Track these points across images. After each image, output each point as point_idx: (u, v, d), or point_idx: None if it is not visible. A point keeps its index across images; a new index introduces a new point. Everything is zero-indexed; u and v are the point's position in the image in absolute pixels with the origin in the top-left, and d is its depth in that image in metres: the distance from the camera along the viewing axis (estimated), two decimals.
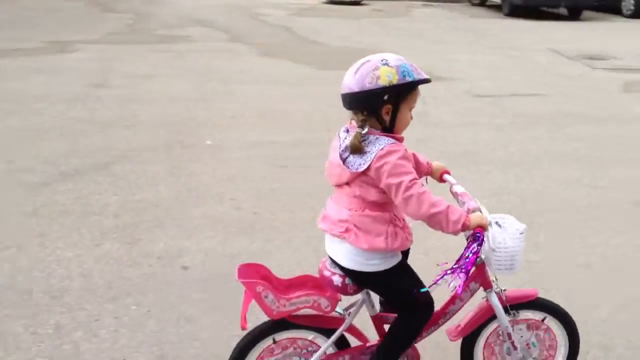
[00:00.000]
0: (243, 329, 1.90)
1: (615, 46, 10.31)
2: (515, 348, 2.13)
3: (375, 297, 2.04)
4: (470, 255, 1.78)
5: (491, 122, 6.02)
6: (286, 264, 3.18)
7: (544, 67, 8.72)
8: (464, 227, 1.78)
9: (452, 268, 1.81)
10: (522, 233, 1.91)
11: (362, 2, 16.93)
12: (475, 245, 1.79)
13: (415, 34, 11.60)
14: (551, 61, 9.19)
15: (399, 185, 1.74)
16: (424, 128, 5.74)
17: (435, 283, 1.83)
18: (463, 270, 1.77)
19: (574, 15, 14.81)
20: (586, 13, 14.99)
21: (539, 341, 2.18)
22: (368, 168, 1.77)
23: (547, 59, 9.40)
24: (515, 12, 14.71)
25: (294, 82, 7.50)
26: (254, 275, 1.91)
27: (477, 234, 1.79)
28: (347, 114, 1.88)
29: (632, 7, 14.91)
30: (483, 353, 2.17)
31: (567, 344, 2.20)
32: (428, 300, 1.93)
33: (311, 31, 11.41)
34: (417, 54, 9.46)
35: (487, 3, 16.70)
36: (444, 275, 1.81)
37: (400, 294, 1.93)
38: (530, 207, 4.01)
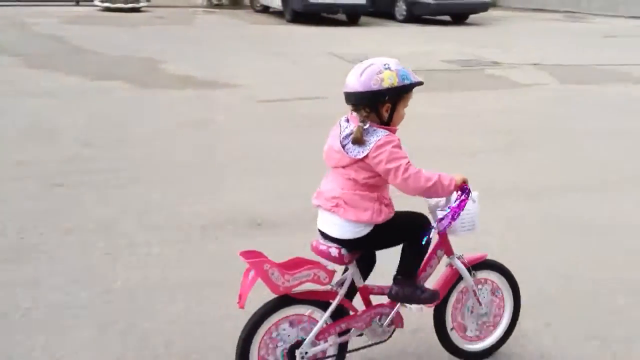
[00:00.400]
0: (242, 307, 2.15)
1: (390, 48, 11.58)
2: (480, 304, 2.61)
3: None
4: (459, 202, 2.29)
5: (276, 126, 6.44)
6: (58, 289, 3.16)
7: (326, 71, 9.50)
8: (455, 187, 2.23)
9: (445, 222, 2.33)
10: (476, 200, 2.40)
11: (142, 8, 16.71)
12: (463, 195, 2.28)
13: (198, 41, 11.84)
14: (332, 65, 10.04)
15: (397, 169, 2.13)
16: (210, 135, 5.96)
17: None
18: (453, 212, 2.30)
19: (352, 20, 16.30)
20: (364, 18, 16.57)
21: (494, 297, 2.67)
22: (366, 156, 2.15)
23: (328, 62, 10.25)
24: (297, 18, 15.74)
25: (67, 94, 7.23)
26: (257, 256, 2.18)
27: (464, 187, 2.28)
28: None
29: (404, 13, 16.89)
30: (452, 312, 2.60)
31: (512, 299, 2.69)
32: (424, 220, 2.37)
33: (86, 40, 11.03)
34: (200, 61, 9.72)
35: (270, 10, 17.60)
36: (446, 222, 2.33)
37: (396, 232, 2.32)
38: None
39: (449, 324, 2.61)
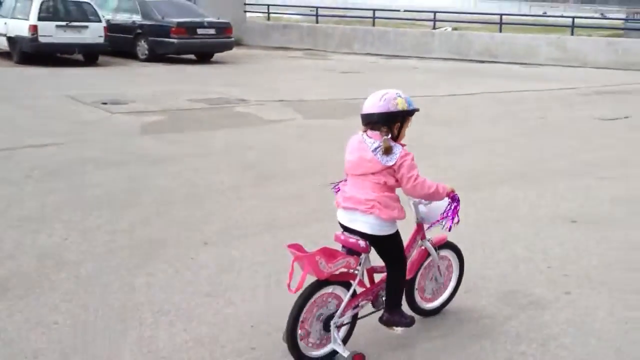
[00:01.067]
0: (293, 292, 3.01)
1: (132, 90, 11.92)
2: (441, 274, 3.78)
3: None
4: (452, 208, 3.35)
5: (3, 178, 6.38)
6: None
7: (61, 115, 9.50)
8: (447, 194, 3.25)
9: (442, 217, 3.37)
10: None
11: None
12: (455, 203, 3.35)
13: None
14: (69, 108, 10.06)
15: (411, 177, 3.08)
16: None
17: (432, 225, 3.46)
18: (452, 216, 3.36)
19: (90, 60, 16.27)
20: (103, 58, 16.64)
21: (447, 268, 3.84)
22: (394, 163, 3.06)
23: (64, 106, 10.24)
24: (27, 59, 15.30)
25: None
26: (300, 249, 3.07)
27: (455, 195, 3.33)
28: None
29: (147, 52, 17.32)
30: (418, 279, 3.66)
31: (459, 270, 3.89)
32: (405, 258, 3.37)
33: None
34: None
35: None
36: (439, 220, 3.39)
37: (397, 249, 3.28)
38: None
39: (415, 288, 3.67)
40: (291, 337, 3.12)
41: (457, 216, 3.41)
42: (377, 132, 3.15)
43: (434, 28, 24.12)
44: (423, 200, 3.38)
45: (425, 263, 3.66)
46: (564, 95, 13.66)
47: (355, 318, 3.36)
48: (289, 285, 3.02)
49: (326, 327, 3.22)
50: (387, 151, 3.07)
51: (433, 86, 14.33)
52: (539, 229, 5.32)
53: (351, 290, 3.24)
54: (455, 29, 25.99)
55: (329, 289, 3.21)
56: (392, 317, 3.34)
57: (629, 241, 5.06)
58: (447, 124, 9.90)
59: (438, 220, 3.43)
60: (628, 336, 3.61)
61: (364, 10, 28.09)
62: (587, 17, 40.92)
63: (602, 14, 73.65)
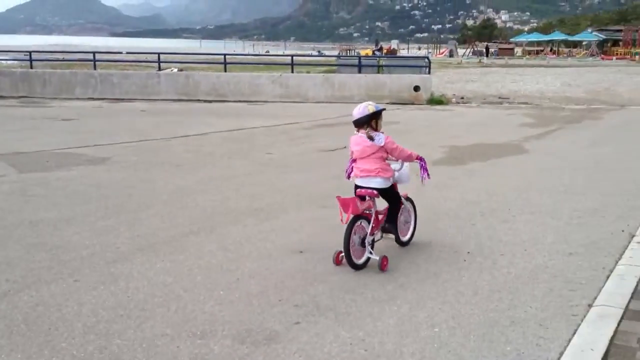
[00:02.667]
0: (343, 223, 5.21)
1: None
2: (409, 216, 6.10)
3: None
4: (423, 166, 5.82)
5: None
6: None
7: None
8: (416, 157, 5.69)
9: (422, 174, 5.84)
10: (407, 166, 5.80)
11: None
12: (422, 162, 5.78)
13: None
14: None
15: (395, 148, 5.49)
16: None
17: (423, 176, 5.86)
18: (425, 172, 5.83)
19: None
20: None
21: (409, 214, 6.12)
22: (385, 144, 5.41)
23: None
24: None
25: None
26: (343, 199, 5.26)
27: (422, 157, 5.80)
28: None
29: None
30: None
31: (414, 215, 6.17)
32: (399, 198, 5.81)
33: None
34: None
35: None
36: (423, 175, 5.85)
37: (394, 194, 5.66)
38: None
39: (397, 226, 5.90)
40: (346, 251, 5.28)
41: (427, 172, 5.87)
42: (364, 129, 5.50)
43: (160, 69, 24.18)
44: (396, 169, 5.65)
45: (402, 209, 5.92)
46: (289, 129, 14.59)
47: (373, 241, 5.60)
48: (342, 220, 5.25)
49: (362, 244, 5.43)
50: (370, 138, 5.45)
51: (162, 129, 14.34)
52: (270, 263, 5.57)
53: (371, 222, 5.48)
54: (181, 69, 26.32)
55: (359, 221, 5.39)
56: (390, 228, 5.81)
57: (346, 266, 5.53)
58: (178, 167, 9.95)
59: (406, 182, 5.88)
60: (354, 356, 3.94)
61: (84, 53, 27.17)
62: (306, 55, 44.44)
63: (319, 52, 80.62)
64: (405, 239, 6.05)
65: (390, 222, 5.78)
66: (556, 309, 4.59)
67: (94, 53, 24.58)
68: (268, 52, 78.35)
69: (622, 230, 6.54)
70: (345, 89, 21.64)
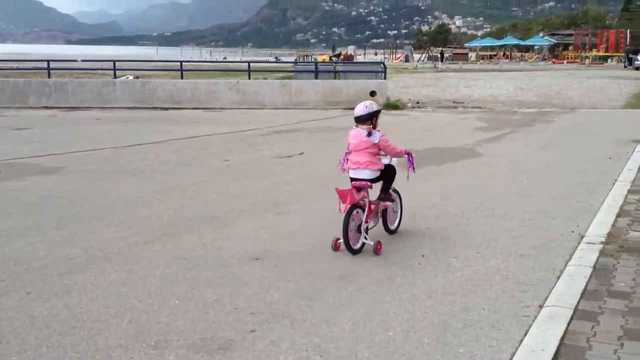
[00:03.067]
0: (342, 212, 5.88)
1: None
2: (396, 207, 6.75)
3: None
4: (410, 160, 6.46)
5: None
6: None
7: None
8: (405, 152, 6.35)
9: (408, 168, 6.53)
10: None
11: None
12: (410, 157, 6.44)
13: None
14: None
15: (388, 145, 6.14)
16: None
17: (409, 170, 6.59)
18: (411, 167, 6.54)
19: None
20: None
21: (396, 204, 6.75)
22: (379, 141, 6.06)
23: None
24: None
25: None
26: (341, 190, 5.98)
27: (409, 152, 6.44)
28: None
29: None
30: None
31: (401, 205, 6.78)
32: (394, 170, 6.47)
33: None
34: None
35: None
36: (409, 167, 6.56)
37: (391, 170, 6.38)
38: None
39: (386, 216, 6.59)
40: (345, 237, 5.86)
41: (414, 166, 6.59)
42: (365, 125, 6.15)
43: (115, 77, 23.84)
44: (385, 163, 6.27)
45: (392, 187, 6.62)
46: (246, 136, 14.53)
47: (367, 228, 6.14)
48: (339, 209, 5.93)
49: (358, 231, 6.02)
50: (370, 134, 6.09)
51: (118, 137, 14.14)
52: (226, 271, 5.53)
53: (365, 211, 6.05)
54: (137, 77, 26.00)
55: (356, 210, 5.99)
56: (385, 196, 6.43)
57: (304, 272, 5.54)
58: (134, 175, 9.81)
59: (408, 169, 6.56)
60: None
61: (38, 61, 26.65)
62: (263, 62, 44.41)
63: (276, 58, 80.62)
64: (393, 227, 6.72)
65: (385, 188, 6.47)
66: (508, 311, 4.66)
67: (48, 61, 24.04)
68: (225, 58, 77.96)
69: (572, 232, 6.68)
70: (302, 95, 21.67)
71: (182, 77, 23.06)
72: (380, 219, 6.53)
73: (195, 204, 8.01)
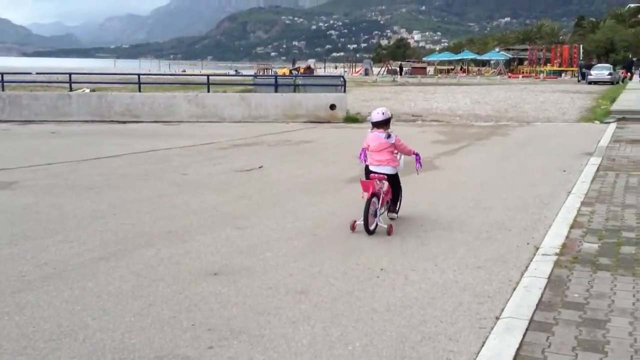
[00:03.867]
0: (363, 199, 7.09)
1: None
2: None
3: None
4: (418, 158, 7.72)
5: None
6: None
7: None
8: (413, 152, 7.69)
9: (416, 166, 7.78)
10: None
11: None
12: (418, 156, 7.70)
13: None
14: None
15: (401, 145, 7.54)
16: None
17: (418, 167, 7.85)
18: (419, 164, 7.78)
19: None
20: None
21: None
22: (395, 142, 7.43)
23: None
24: None
25: None
26: (364, 182, 7.32)
27: (417, 152, 7.74)
28: None
29: None
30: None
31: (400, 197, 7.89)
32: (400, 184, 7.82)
33: None
34: None
35: None
36: (417, 166, 7.81)
37: (397, 180, 7.65)
38: None
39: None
40: (365, 220, 6.98)
41: (421, 164, 7.79)
42: (382, 129, 7.38)
43: (71, 90, 23.47)
44: (400, 162, 7.63)
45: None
46: (205, 150, 14.42)
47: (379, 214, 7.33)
48: (362, 197, 7.09)
49: (374, 215, 7.16)
50: (388, 136, 7.32)
51: (74, 151, 13.92)
52: (183, 286, 5.46)
53: (380, 199, 7.23)
54: (94, 90, 25.64)
55: (374, 198, 7.11)
56: (393, 209, 7.65)
57: (263, 287, 5.51)
58: (90, 190, 9.64)
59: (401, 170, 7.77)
60: None
61: None
62: (223, 75, 44.19)
63: (236, 71, 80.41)
64: (392, 215, 7.78)
65: (393, 200, 7.68)
66: (465, 323, 4.70)
67: (1, 74, 23.52)
68: (184, 71, 77.52)
69: (528, 243, 6.79)
70: (262, 109, 21.64)
71: (140, 90, 22.83)
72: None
73: (152, 219, 7.90)
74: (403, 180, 7.87)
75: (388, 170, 7.43)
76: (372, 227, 7.10)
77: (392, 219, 7.62)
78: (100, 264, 6.12)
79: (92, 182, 10.34)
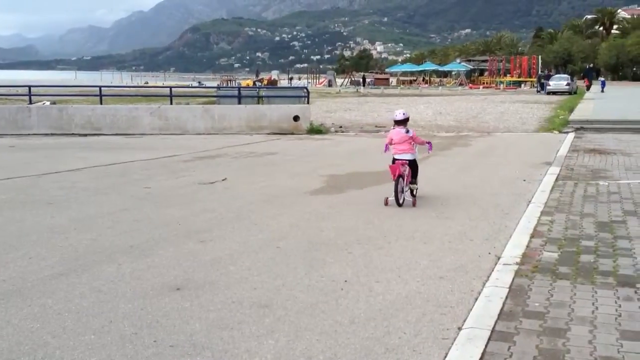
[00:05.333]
0: (394, 178, 9.31)
1: None
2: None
3: None
4: (429, 145, 10.00)
5: None
6: None
7: None
8: (426, 142, 10.02)
9: (428, 150, 10.19)
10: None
11: None
12: (430, 144, 10.09)
13: None
14: None
15: (417, 137, 9.77)
16: None
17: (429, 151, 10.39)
18: (430, 148, 10.07)
19: None
20: None
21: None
22: (413, 135, 9.64)
23: None
24: None
25: None
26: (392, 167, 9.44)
27: (429, 141, 10.14)
28: None
29: None
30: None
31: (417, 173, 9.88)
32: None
33: None
34: None
35: None
36: (429, 150, 10.21)
37: (416, 165, 9.69)
38: None
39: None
40: (396, 195, 9.17)
41: (431, 148, 10.10)
42: (402, 126, 9.48)
43: (31, 103, 23.05)
44: (415, 150, 9.63)
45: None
46: (168, 162, 14.30)
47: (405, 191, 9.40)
48: (393, 178, 9.23)
49: (402, 191, 9.20)
50: (407, 131, 9.45)
51: (33, 165, 13.66)
52: (145, 302, 5.38)
53: (405, 179, 9.25)
54: (54, 102, 25.24)
55: (400, 179, 9.11)
56: (414, 182, 9.57)
57: (227, 301, 5.46)
58: (50, 204, 9.46)
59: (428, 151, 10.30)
60: None
61: None
62: (186, 86, 43.95)
63: (199, 82, 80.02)
64: (415, 186, 9.82)
65: (413, 178, 9.59)
66: (428, 334, 4.72)
67: None
68: (147, 83, 76.81)
69: (489, 253, 6.87)
70: (225, 121, 21.56)
71: (101, 103, 22.53)
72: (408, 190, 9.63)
73: (113, 234, 7.78)
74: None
75: (409, 156, 9.47)
76: (401, 201, 9.26)
77: (413, 189, 9.73)
78: (61, 280, 6.00)
79: (52, 196, 10.15)
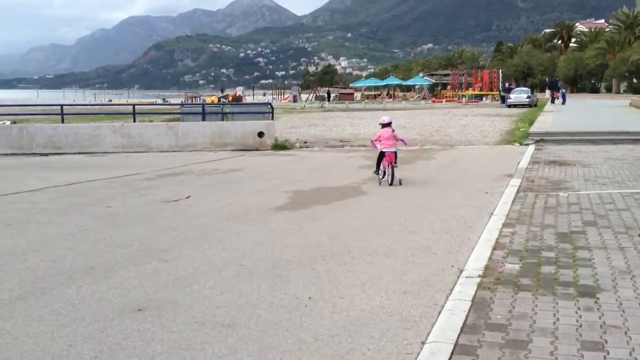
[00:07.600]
0: (390, 163, 13.06)
1: None
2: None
3: None
4: (404, 142, 14.27)
5: None
6: None
7: None
8: (401, 139, 13.79)
9: (405, 145, 14.56)
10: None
11: None
12: (404, 141, 14.21)
13: None
14: None
15: (397, 136, 13.57)
16: None
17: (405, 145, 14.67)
18: (405, 144, 14.52)
19: None
20: None
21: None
22: (395, 133, 13.44)
23: None
24: None
25: None
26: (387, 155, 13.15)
27: (404, 139, 14.36)
28: None
29: None
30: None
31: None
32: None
33: None
34: None
35: None
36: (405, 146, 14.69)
37: (396, 153, 13.34)
38: None
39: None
40: (389, 177, 12.98)
41: (406, 144, 14.49)
42: (388, 127, 13.17)
43: None
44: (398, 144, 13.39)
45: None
46: (130, 181, 14.11)
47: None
48: (388, 164, 12.91)
49: (391, 173, 13.01)
50: (393, 130, 13.27)
51: None
52: (106, 324, 5.27)
53: (390, 165, 12.99)
54: (14, 122, 24.78)
55: (389, 164, 12.96)
56: (395, 165, 13.14)
57: (189, 321, 5.38)
58: (9, 226, 9.25)
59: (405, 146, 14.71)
60: None
61: None
62: (150, 104, 43.57)
63: (164, 99, 79.48)
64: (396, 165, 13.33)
65: (395, 162, 12.95)
66: (392, 349, 4.71)
67: None
68: (110, 100, 76.04)
69: (452, 266, 6.90)
70: (190, 138, 21.42)
71: (63, 121, 22.23)
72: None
73: (74, 255, 7.62)
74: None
75: (394, 149, 12.93)
76: (391, 181, 12.84)
77: (395, 167, 13.03)
78: (18, 303, 5.85)
79: (10, 217, 9.93)
